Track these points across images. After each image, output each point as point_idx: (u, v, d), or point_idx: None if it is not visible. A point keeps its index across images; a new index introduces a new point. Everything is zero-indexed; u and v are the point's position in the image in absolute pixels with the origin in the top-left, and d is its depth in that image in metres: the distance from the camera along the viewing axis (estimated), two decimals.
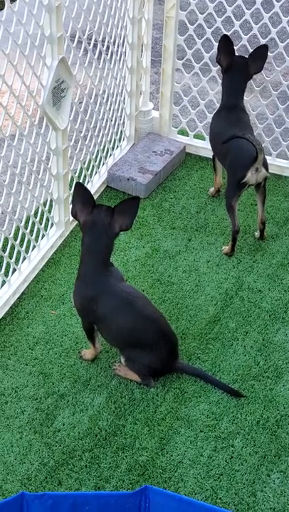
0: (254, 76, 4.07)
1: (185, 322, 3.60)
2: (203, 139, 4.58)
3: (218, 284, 3.80)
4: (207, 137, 4.51)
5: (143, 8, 4.23)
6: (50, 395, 3.28)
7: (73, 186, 3.21)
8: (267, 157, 4.37)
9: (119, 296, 3.21)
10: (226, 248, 3.96)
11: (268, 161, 4.31)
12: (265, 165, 3.85)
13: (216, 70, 4.35)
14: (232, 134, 3.80)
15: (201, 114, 4.58)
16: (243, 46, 4.22)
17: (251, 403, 3.27)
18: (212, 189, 4.34)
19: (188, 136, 4.63)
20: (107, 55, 4.07)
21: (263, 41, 4.17)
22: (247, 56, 4.02)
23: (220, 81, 4.38)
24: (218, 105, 4.31)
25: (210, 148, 4.26)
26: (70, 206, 3.26)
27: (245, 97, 4.17)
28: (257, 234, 4.06)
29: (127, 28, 4.19)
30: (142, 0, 4.17)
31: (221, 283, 3.81)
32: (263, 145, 4.40)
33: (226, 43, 3.99)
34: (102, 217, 3.17)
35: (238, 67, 4.01)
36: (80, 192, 3.17)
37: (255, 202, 4.11)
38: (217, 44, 4.02)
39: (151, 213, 4.20)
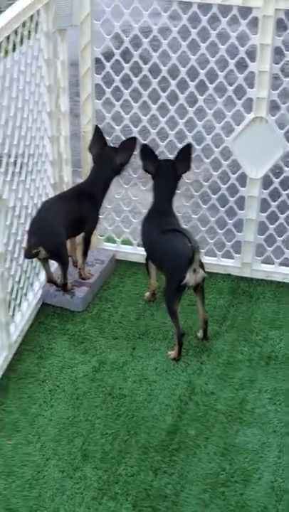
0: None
1: (144, 435, 3.56)
2: (131, 244, 4.62)
3: (171, 391, 3.78)
4: (135, 242, 4.57)
5: (60, 126, 4.30)
6: None
7: (93, 128, 4.27)
8: None
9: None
10: (173, 353, 3.96)
11: None
12: (202, 265, 3.91)
13: (136, 177, 4.44)
14: (173, 227, 3.86)
15: (126, 221, 4.64)
16: (162, 152, 4.33)
17: None
18: (147, 293, 4.36)
19: (115, 243, 4.66)
20: (28, 171, 4.08)
21: (180, 146, 4.30)
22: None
23: (142, 187, 4.48)
24: (142, 210, 4.39)
25: (139, 252, 4.30)
26: (89, 143, 4.29)
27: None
28: (200, 334, 4.09)
29: (47, 146, 4.23)
30: (58, 118, 4.24)
31: (173, 389, 3.79)
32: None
33: (146, 152, 4.09)
34: (108, 153, 4.23)
35: (165, 171, 4.11)
36: (96, 134, 4.24)
37: (192, 302, 4.15)
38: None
39: (91, 326, 4.17)
